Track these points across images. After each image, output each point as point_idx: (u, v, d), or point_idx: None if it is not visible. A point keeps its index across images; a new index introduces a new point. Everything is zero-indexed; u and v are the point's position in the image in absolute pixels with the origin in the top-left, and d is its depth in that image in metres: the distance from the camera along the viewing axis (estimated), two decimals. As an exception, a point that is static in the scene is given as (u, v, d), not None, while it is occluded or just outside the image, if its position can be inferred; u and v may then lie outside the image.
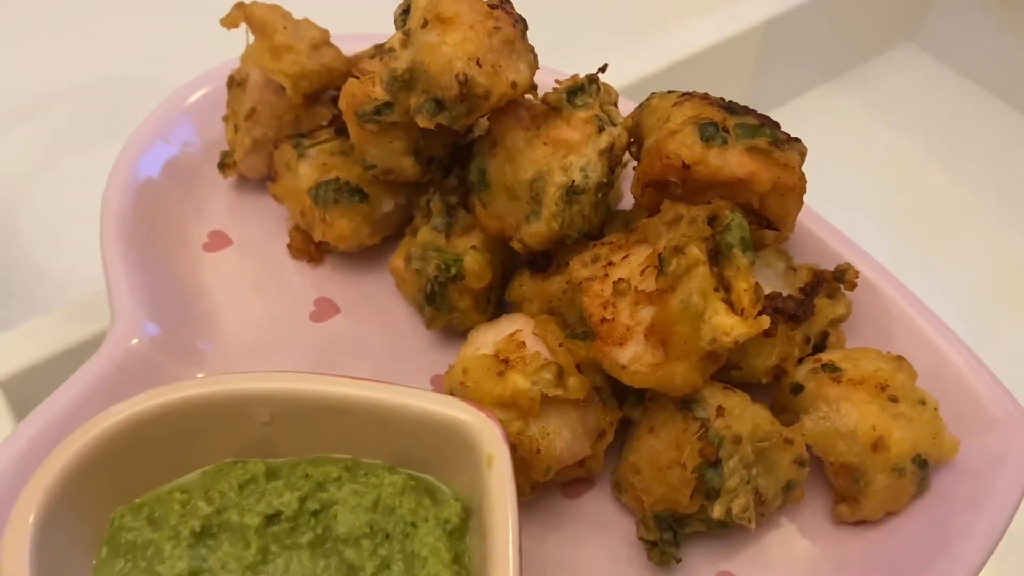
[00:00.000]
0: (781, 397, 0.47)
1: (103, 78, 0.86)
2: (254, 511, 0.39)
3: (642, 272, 0.42)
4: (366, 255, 0.56)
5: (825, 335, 0.49)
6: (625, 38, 0.91)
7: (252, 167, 0.57)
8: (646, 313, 0.42)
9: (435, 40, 0.43)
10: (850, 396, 0.45)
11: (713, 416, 0.42)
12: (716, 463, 0.42)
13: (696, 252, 0.40)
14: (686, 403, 0.43)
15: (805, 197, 0.44)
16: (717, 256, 0.42)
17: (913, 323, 0.50)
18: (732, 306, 0.41)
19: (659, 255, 0.41)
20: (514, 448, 0.43)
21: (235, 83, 0.56)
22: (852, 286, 0.49)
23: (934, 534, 0.45)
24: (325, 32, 0.55)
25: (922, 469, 0.45)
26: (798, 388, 0.46)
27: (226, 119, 0.58)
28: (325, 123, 0.56)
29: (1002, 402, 0.48)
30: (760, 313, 0.43)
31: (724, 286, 0.41)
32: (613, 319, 0.42)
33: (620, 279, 0.43)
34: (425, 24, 0.43)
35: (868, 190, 0.88)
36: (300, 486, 0.39)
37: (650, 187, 0.44)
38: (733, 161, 0.42)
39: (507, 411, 0.44)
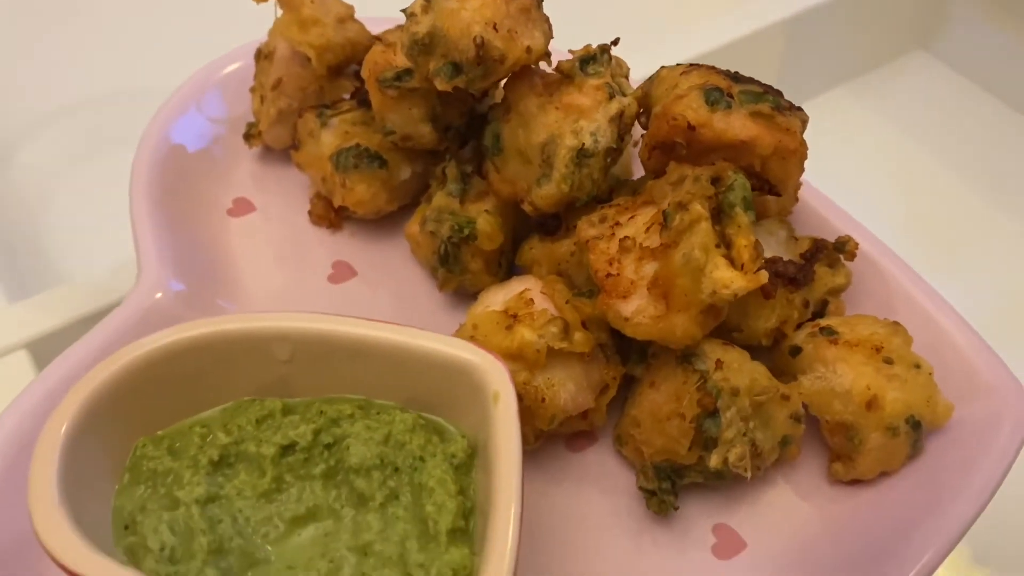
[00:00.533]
0: (780, 360, 0.49)
1: (133, 86, 0.89)
2: (270, 442, 0.41)
3: (647, 230, 0.44)
4: (383, 223, 0.58)
5: (825, 303, 0.50)
6: (641, 36, 0.94)
7: (276, 137, 0.60)
8: (649, 268, 0.43)
9: (455, 6, 0.45)
10: (846, 358, 0.47)
11: (712, 369, 0.44)
12: (714, 413, 0.43)
13: (699, 208, 0.42)
14: (686, 357, 0.45)
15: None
16: (719, 215, 0.43)
17: (910, 294, 0.52)
18: (732, 262, 0.42)
19: (663, 211, 0.43)
20: (520, 398, 0.45)
21: (263, 56, 0.59)
22: (852, 256, 0.51)
23: (926, 495, 0.46)
24: (350, 8, 0.58)
25: (916, 431, 0.46)
26: (796, 350, 0.48)
27: (253, 91, 0.60)
28: (348, 95, 0.59)
29: (996, 370, 0.49)
30: (759, 273, 0.45)
31: (725, 243, 0.43)
32: (618, 274, 0.44)
33: (626, 236, 0.44)
34: (446, -7, 0.46)
35: (879, 193, 0.90)
36: (315, 420, 0.41)
37: (657, 150, 0.46)
38: (737, 124, 0.44)
39: (514, 363, 0.45)
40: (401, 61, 0.50)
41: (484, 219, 0.50)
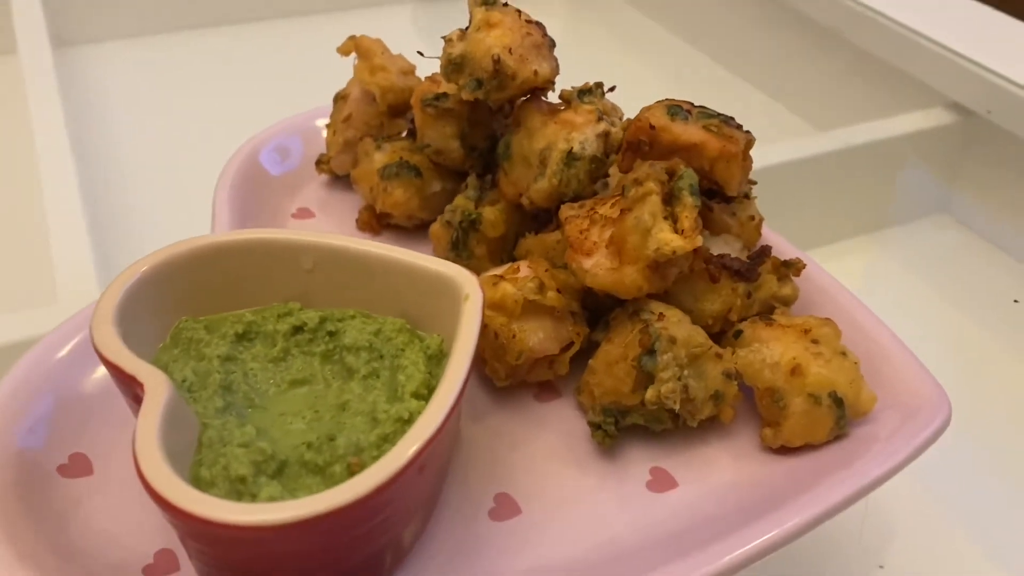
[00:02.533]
0: (726, 344, 0.56)
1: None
2: (285, 322, 0.51)
3: (611, 206, 0.54)
4: (415, 233, 0.69)
5: (772, 309, 0.58)
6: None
7: (341, 164, 0.73)
8: (609, 233, 0.53)
9: (481, 36, 0.59)
10: (779, 336, 0.54)
11: (655, 319, 0.52)
12: (652, 353, 0.51)
13: (651, 185, 0.52)
14: (636, 311, 0.53)
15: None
16: (671, 199, 0.53)
17: (852, 316, 0.59)
18: (676, 230, 0.52)
19: (623, 186, 0.53)
20: (495, 335, 0.54)
21: (339, 97, 0.74)
22: (798, 272, 0.59)
23: (837, 464, 0.51)
24: (413, 66, 0.73)
25: (839, 407, 0.52)
26: (738, 333, 0.56)
27: (328, 126, 0.74)
28: (403, 132, 0.72)
29: (924, 378, 0.55)
30: (710, 267, 0.54)
31: (673, 219, 0.53)
32: (585, 237, 0.54)
33: (594, 210, 0.55)
34: (478, 28, 0.59)
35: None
36: (323, 313, 0.51)
37: (628, 152, 0.56)
38: (690, 130, 0.55)
39: (496, 311, 0.55)
40: (441, 89, 0.63)
41: (489, 209, 0.61)
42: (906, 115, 1.10)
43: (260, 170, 0.74)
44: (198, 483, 0.42)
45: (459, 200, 0.64)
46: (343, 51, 0.73)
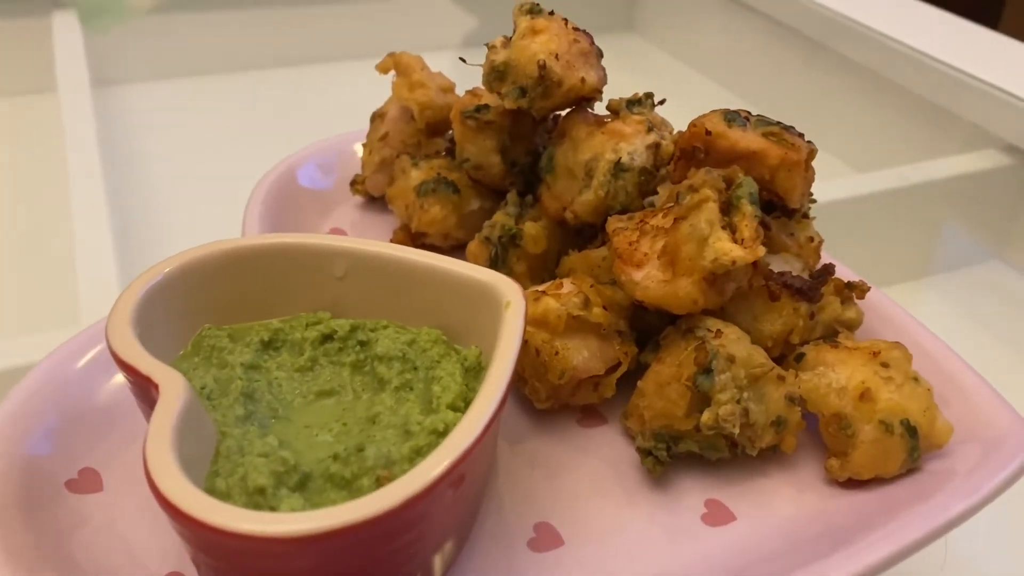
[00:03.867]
0: (787, 369, 0.52)
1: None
2: (314, 330, 0.47)
3: (663, 217, 0.51)
4: (452, 255, 0.66)
5: (835, 333, 0.54)
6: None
7: (376, 184, 0.71)
8: (661, 243, 0.50)
9: (527, 42, 0.56)
10: (845, 360, 0.50)
11: (711, 337, 0.48)
12: (708, 372, 0.47)
13: (708, 191, 0.49)
14: (689, 329, 0.49)
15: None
16: (728, 209, 0.50)
17: (920, 343, 0.55)
18: (735, 241, 0.48)
19: (676, 193, 0.50)
20: (536, 352, 0.51)
21: (377, 116, 0.71)
22: (861, 294, 0.55)
23: (915, 502, 0.46)
24: (452, 84, 0.70)
25: (912, 437, 0.48)
26: (800, 356, 0.51)
27: (364, 145, 0.72)
28: (441, 152, 0.69)
29: (1003, 409, 0.51)
30: (770, 284, 0.51)
31: (731, 230, 0.49)
32: (635, 249, 0.50)
33: (644, 221, 0.51)
34: (523, 36, 0.57)
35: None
36: (354, 321, 0.48)
37: (682, 160, 0.53)
38: (749, 136, 0.51)
39: (538, 327, 0.51)
40: (482, 101, 0.61)
41: (531, 224, 0.58)
42: (955, 157, 1.06)
43: (293, 189, 0.71)
44: (213, 494, 0.38)
45: (499, 216, 0.61)
46: (382, 68, 0.71)
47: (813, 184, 0.53)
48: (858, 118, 1.21)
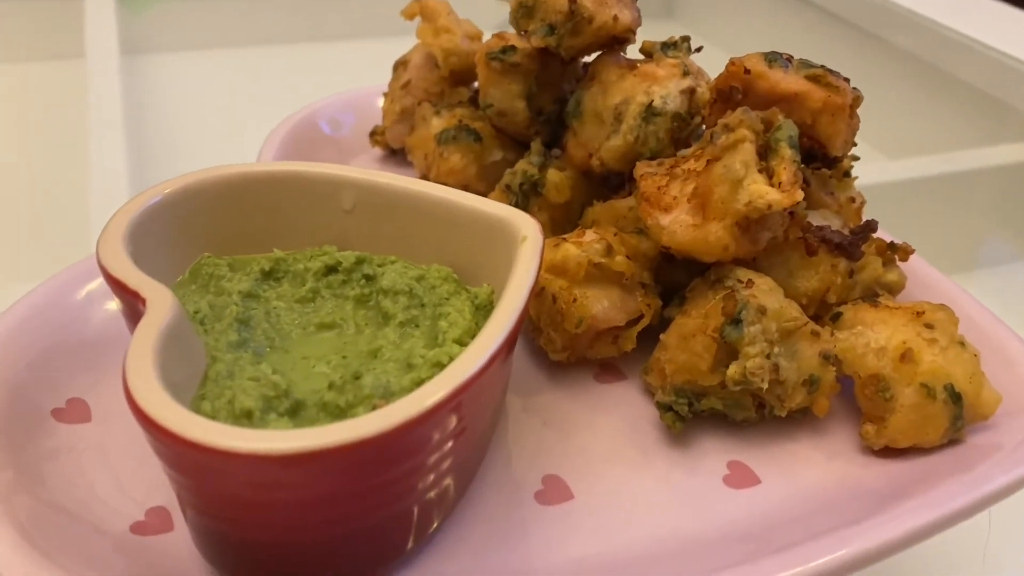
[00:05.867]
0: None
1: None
2: (318, 261, 0.45)
3: (696, 160, 0.48)
4: (471, 207, 0.63)
5: (875, 296, 0.51)
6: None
7: (396, 136, 0.68)
8: (692, 187, 0.46)
9: (558, -23, 0.53)
10: (885, 319, 0.46)
11: (742, 287, 0.45)
12: (737, 323, 0.44)
13: (745, 131, 0.45)
14: (719, 279, 0.46)
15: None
16: (766, 153, 0.46)
17: (966, 311, 0.51)
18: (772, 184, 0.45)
19: (711, 132, 0.46)
20: (553, 299, 0.48)
21: (400, 64, 0.69)
22: (905, 256, 0.51)
23: (956, 482, 0.43)
24: (480, 32, 0.67)
25: (956, 404, 0.44)
26: (837, 316, 0.48)
27: (386, 95, 0.69)
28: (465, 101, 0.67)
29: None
30: (808, 237, 0.47)
31: (768, 175, 0.46)
32: (663, 192, 0.47)
33: (675, 166, 0.48)
34: (554, -30, 0.54)
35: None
36: (360, 254, 0.45)
37: (718, 103, 0.50)
38: (791, 78, 0.48)
39: (556, 274, 0.48)
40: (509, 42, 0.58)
41: (554, 172, 0.55)
42: (1005, 146, 1.02)
43: (312, 135, 0.69)
44: (197, 416, 0.35)
45: (521, 164, 0.58)
46: (407, 14, 0.68)
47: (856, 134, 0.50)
48: (891, 103, 1.17)
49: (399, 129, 0.67)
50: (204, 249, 0.46)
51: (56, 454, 0.43)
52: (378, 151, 0.70)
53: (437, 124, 0.63)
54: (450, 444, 0.36)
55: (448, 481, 0.38)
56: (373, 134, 0.69)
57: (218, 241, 0.46)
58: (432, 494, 0.37)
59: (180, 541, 0.39)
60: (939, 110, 1.12)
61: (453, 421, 0.35)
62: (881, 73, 1.17)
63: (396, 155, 0.70)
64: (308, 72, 1.30)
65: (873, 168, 0.94)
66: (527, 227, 0.43)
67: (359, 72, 1.24)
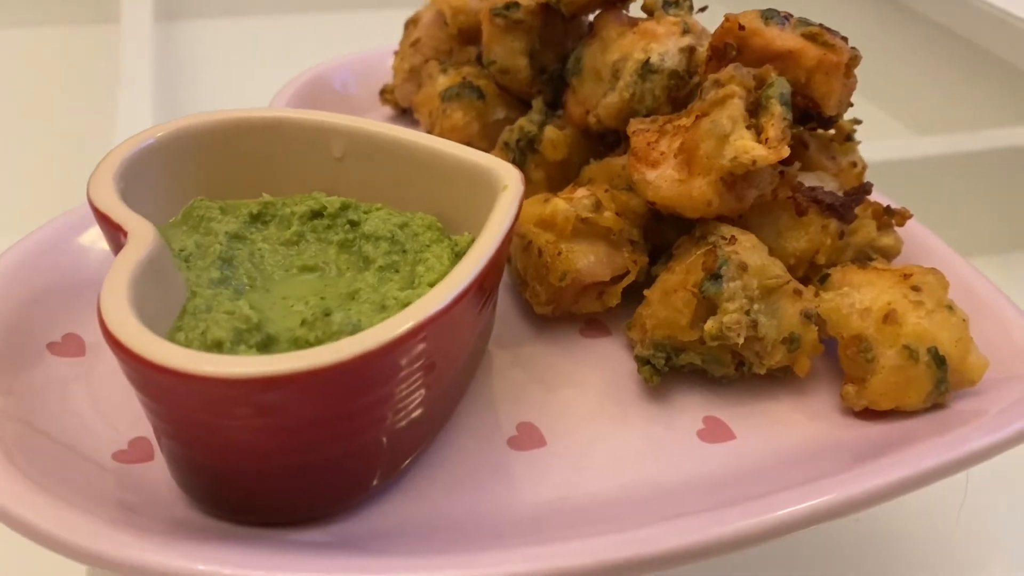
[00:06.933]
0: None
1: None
2: (304, 205, 0.45)
3: (687, 116, 0.47)
4: (474, 166, 0.64)
5: (868, 260, 0.50)
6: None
7: (405, 94, 0.68)
8: (679, 141, 0.46)
9: (560, -68, 0.53)
10: (872, 281, 0.46)
11: (724, 243, 0.45)
12: (717, 278, 0.44)
13: (734, 87, 0.45)
14: (704, 235, 0.46)
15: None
16: (757, 110, 0.46)
17: (962, 277, 0.50)
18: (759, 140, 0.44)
19: (700, 87, 0.46)
20: (540, 252, 0.48)
21: (411, 22, 0.69)
22: (902, 221, 0.51)
23: (935, 446, 0.42)
24: (492, -7, 0.67)
25: (939, 367, 0.44)
26: (825, 278, 0.47)
27: (396, 53, 0.70)
28: (473, 60, 0.67)
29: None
30: (797, 197, 0.47)
31: (757, 132, 0.45)
32: (652, 148, 0.47)
33: (667, 122, 0.48)
34: (557, -73, 0.54)
35: None
36: (346, 200, 0.46)
37: (712, 60, 0.49)
38: (786, 35, 0.47)
39: (543, 228, 0.48)
40: None
41: (551, 129, 0.55)
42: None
43: (322, 93, 0.69)
44: (171, 346, 0.36)
45: (521, 121, 0.58)
46: (420, -28, 0.68)
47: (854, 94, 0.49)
48: (920, 78, 1.14)
49: (408, 88, 0.68)
50: (197, 193, 0.47)
51: (48, 385, 0.44)
52: (388, 110, 0.71)
53: (442, 82, 0.63)
54: (418, 379, 0.37)
55: (416, 417, 0.38)
56: (383, 92, 0.70)
57: (211, 185, 0.47)
58: (398, 429, 0.37)
59: (159, 470, 0.40)
60: (972, 86, 1.09)
61: (419, 355, 0.35)
62: (912, 47, 1.15)
63: (406, 114, 0.70)
64: (341, 40, 1.30)
65: (901, 144, 0.93)
66: (509, 176, 0.43)
67: (393, 40, 1.25)
